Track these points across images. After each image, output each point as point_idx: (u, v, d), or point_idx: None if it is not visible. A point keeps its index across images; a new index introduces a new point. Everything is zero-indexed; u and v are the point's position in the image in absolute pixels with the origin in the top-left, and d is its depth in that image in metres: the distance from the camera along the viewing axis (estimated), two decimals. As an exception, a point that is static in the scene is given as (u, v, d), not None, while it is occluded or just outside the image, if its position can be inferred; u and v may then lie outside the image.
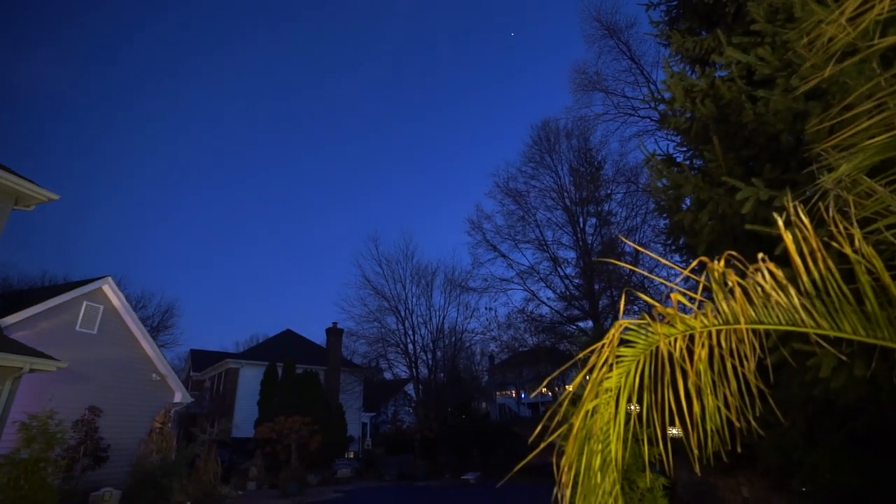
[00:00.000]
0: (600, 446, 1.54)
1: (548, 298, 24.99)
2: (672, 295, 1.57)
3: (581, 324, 24.30)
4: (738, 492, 8.46)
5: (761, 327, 1.39)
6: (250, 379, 24.42)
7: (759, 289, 1.40)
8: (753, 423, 1.57)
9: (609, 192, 23.97)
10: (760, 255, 1.40)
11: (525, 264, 25.53)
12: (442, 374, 27.49)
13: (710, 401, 1.49)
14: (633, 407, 1.61)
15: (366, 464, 22.25)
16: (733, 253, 1.45)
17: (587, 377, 1.61)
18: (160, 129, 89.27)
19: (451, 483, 17.40)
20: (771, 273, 1.43)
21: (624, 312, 23.45)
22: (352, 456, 22.93)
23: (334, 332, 26.20)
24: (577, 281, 24.96)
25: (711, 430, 1.49)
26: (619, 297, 22.76)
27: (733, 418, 1.45)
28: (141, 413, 14.30)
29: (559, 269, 25.05)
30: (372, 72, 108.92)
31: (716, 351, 1.50)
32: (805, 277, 1.36)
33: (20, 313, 12.21)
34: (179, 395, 16.22)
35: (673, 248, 5.58)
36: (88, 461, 12.18)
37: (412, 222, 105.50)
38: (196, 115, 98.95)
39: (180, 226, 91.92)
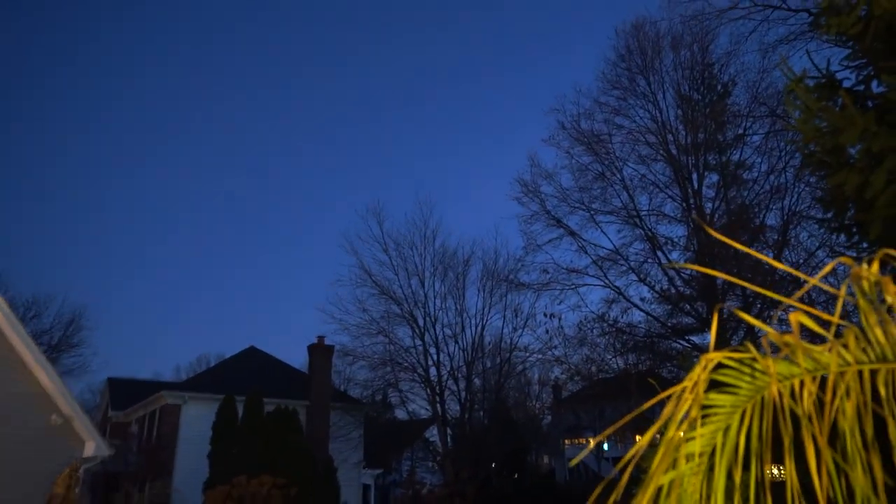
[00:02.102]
0: None
1: (642, 299, 24.32)
2: (792, 316, 1.47)
3: (694, 338, 23.72)
4: None
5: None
6: (197, 419, 24.71)
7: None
8: None
9: (741, 131, 22.65)
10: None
11: (606, 247, 24.74)
12: (481, 413, 27.55)
13: (857, 476, 1.44)
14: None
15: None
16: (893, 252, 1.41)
17: (658, 436, 1.57)
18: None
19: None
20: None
21: (766, 319, 22.04)
22: (349, 536, 22.81)
23: (320, 351, 26.31)
24: (687, 273, 23.92)
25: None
26: (757, 299, 21.74)
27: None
28: (32, 475, 14.03)
29: (660, 253, 24.30)
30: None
31: (864, 401, 1.48)
32: None
33: None
34: (92, 446, 16.16)
35: (834, 225, 5.60)
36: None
37: (433, 187, 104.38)
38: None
39: (89, 208, 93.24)
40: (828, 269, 1.58)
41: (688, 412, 1.52)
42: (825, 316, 1.48)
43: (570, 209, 25.07)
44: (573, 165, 25.32)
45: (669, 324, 23.78)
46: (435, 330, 27.95)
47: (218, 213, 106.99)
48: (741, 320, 22.12)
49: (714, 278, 22.87)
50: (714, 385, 1.63)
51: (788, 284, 19.92)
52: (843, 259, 1.53)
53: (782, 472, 1.53)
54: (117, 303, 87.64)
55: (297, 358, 31.83)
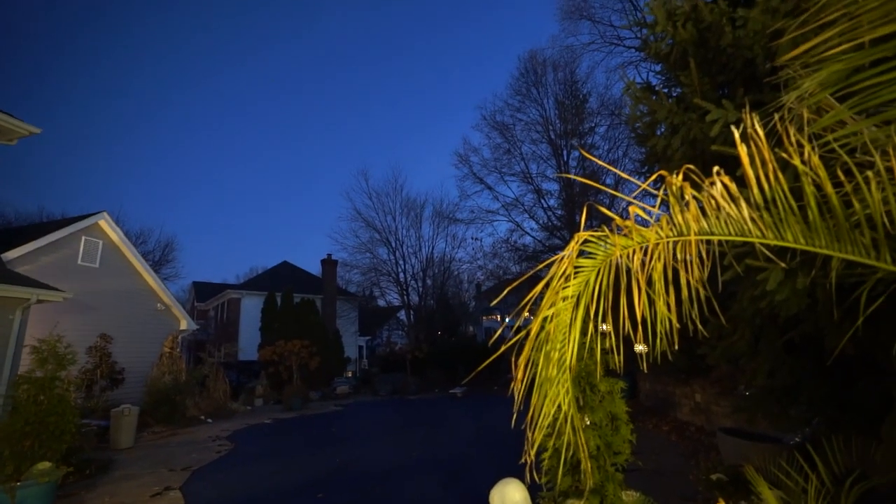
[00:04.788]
0: (558, 345, 1.61)
1: (531, 229, 25.19)
2: (630, 208, 1.56)
3: (561, 252, 24.56)
4: (692, 397, 9.16)
5: (712, 237, 1.41)
6: (251, 307, 24.83)
7: (712, 201, 1.41)
8: (701, 328, 1.66)
9: (593, 125, 23.51)
10: (716, 169, 1.39)
11: (510, 196, 25.46)
12: (432, 301, 28.20)
13: (661, 307, 1.54)
14: (601, 325, 1.67)
15: (362, 381, 23.32)
16: (691, 167, 1.43)
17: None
18: (147, 63, 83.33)
19: (439, 396, 18.48)
20: (724, 186, 1.42)
21: (588, 229, 24.09)
22: (349, 375, 23.92)
23: (329, 263, 26.33)
24: (559, 212, 25.05)
25: (661, 333, 1.56)
26: (595, 226, 23.13)
27: (678, 324, 1.52)
28: (150, 339, 14.63)
29: (543, 200, 24.99)
30: (355, 3, 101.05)
31: (669, 263, 1.54)
32: (756, 190, 1.36)
33: (21, 248, 12.03)
34: (185, 323, 16.57)
35: (648, 175, 5.48)
36: (106, 383, 12.63)
37: (401, 156, 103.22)
38: (186, 48, 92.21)
39: (175, 162, 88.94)
40: (652, 178, 1.54)
41: (565, 270, 1.63)
42: (649, 207, 1.58)
43: (488, 172, 25.77)
44: (490, 144, 26.00)
45: (547, 244, 24.62)
46: (402, 249, 28.52)
47: (262, 164, 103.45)
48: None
49: (574, 215, 24.19)
50: (582, 254, 1.71)
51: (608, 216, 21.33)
52: (661, 172, 1.50)
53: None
54: (197, 228, 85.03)
55: (314, 268, 32.48)
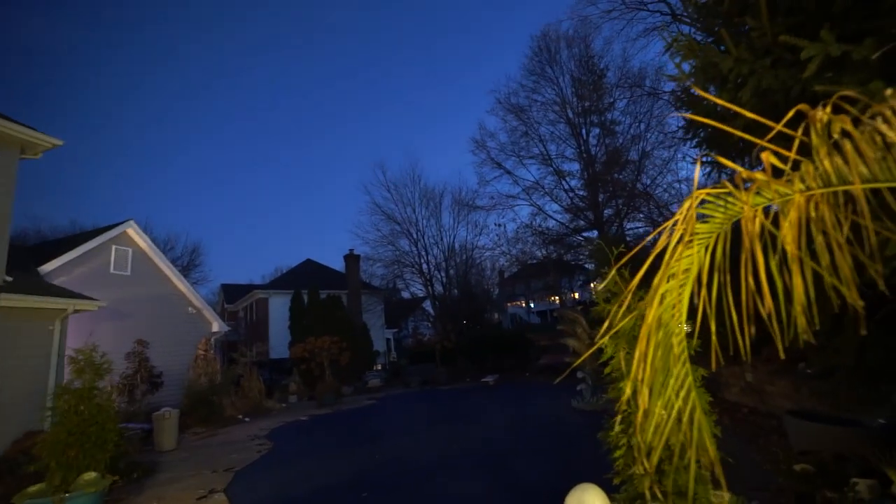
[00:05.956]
0: (676, 330, 1.30)
1: (554, 212, 24.64)
2: (763, 155, 1.19)
3: (586, 234, 23.92)
4: (741, 377, 8.69)
5: (879, 185, 1.08)
6: (279, 306, 25.04)
7: (877, 139, 1.07)
8: (855, 297, 1.30)
9: (612, 100, 22.65)
10: (888, 91, 1.05)
11: (530, 180, 24.95)
12: (455, 290, 27.97)
13: (797, 281, 1.22)
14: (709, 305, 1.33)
15: (392, 374, 23.35)
16: (849, 93, 1.08)
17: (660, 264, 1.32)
18: (160, 70, 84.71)
19: (471, 385, 18.31)
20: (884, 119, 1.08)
21: (628, 219, 22.34)
22: (379, 368, 24.04)
23: (352, 259, 26.36)
24: (581, 193, 24.42)
25: (797, 313, 1.24)
26: (624, 206, 22.34)
27: (832, 296, 1.20)
28: (184, 343, 14.86)
29: (564, 182, 24.41)
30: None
31: (803, 223, 1.22)
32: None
33: (56, 260, 12.27)
34: (217, 325, 16.84)
35: (694, 143, 4.92)
36: (146, 387, 12.86)
37: (417, 147, 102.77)
38: (199, 55, 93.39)
39: (196, 168, 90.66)
40: (790, 113, 1.19)
41: (681, 237, 1.28)
42: (785, 152, 1.22)
43: (506, 156, 25.24)
44: (507, 127, 25.51)
45: (571, 226, 24.18)
46: (424, 240, 28.30)
47: (281, 164, 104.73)
48: (619, 219, 22.86)
49: (598, 195, 23.52)
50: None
51: (641, 195, 20.63)
52: (800, 107, 1.17)
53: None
54: (222, 231, 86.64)
55: (338, 264, 32.63)
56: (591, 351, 1.69)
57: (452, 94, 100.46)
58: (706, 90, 3.74)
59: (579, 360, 1.56)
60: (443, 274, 28.12)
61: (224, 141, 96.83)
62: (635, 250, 1.57)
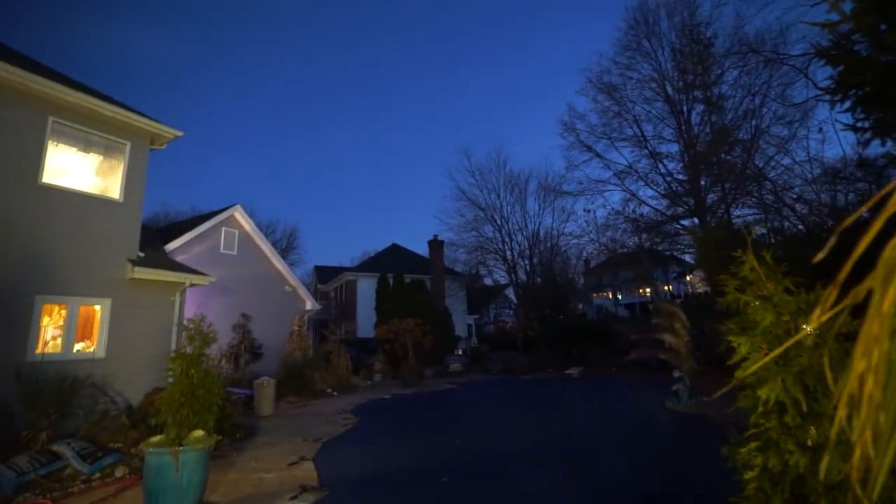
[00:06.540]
0: None
1: (648, 197, 22.87)
2: None
3: (685, 222, 21.91)
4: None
5: None
6: (366, 288, 26.12)
7: None
8: None
9: (721, 71, 20.14)
10: None
11: (622, 163, 23.32)
12: (539, 278, 27.30)
13: None
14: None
15: (473, 360, 23.39)
16: None
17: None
18: (251, 71, 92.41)
19: (553, 376, 17.71)
20: None
21: (736, 205, 20.04)
22: (460, 353, 24.21)
23: (435, 244, 26.76)
24: (680, 177, 22.32)
25: None
26: (732, 191, 19.98)
27: None
28: (281, 318, 16.03)
29: (660, 165, 22.52)
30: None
31: None
32: None
33: (178, 240, 13.81)
34: (310, 304, 17.98)
35: (846, 105, 4.19)
36: (249, 356, 14.14)
37: (503, 132, 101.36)
38: (292, 55, 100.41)
39: (294, 158, 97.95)
40: None
41: None
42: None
43: (597, 139, 23.73)
44: (598, 108, 23.80)
45: (668, 213, 22.30)
46: (508, 226, 27.96)
47: (371, 153, 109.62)
48: (724, 205, 20.50)
49: (699, 179, 21.34)
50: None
51: (752, 179, 18.31)
52: None
53: None
54: (317, 218, 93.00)
55: (422, 248, 33.33)
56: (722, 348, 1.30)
57: (540, 75, 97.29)
58: (876, 31, 2.98)
59: (737, 357, 1.18)
60: (526, 261, 27.60)
61: (316, 131, 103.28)
62: (846, 223, 1.12)
